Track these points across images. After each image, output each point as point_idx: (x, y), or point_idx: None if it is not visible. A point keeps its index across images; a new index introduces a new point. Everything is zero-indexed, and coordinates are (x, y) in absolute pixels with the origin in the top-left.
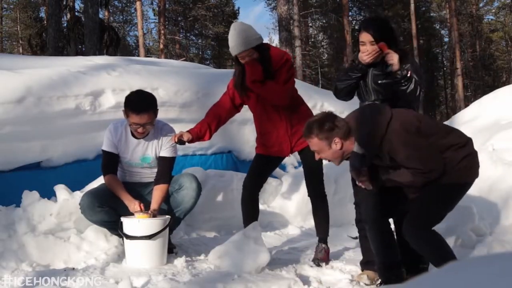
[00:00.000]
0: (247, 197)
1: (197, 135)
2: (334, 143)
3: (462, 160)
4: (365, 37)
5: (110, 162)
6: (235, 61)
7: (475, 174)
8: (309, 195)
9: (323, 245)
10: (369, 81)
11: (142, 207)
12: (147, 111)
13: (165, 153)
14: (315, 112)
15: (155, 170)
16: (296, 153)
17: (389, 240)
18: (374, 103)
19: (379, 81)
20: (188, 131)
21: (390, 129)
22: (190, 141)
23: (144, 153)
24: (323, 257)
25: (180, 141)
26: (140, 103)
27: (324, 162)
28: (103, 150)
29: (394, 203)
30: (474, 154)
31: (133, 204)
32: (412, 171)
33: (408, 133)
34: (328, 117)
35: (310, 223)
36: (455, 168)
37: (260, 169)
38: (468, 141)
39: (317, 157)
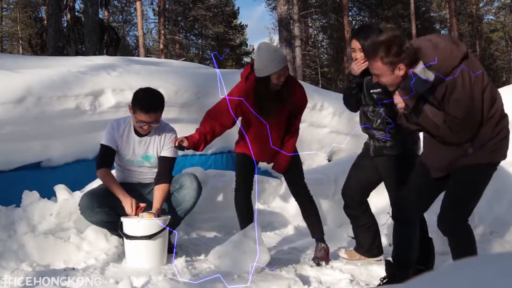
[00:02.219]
0: (242, 199)
1: (194, 144)
2: (398, 69)
3: (495, 137)
4: (354, 44)
5: (106, 156)
6: (259, 82)
7: (505, 155)
8: (296, 200)
9: (323, 245)
10: (364, 89)
11: (142, 206)
12: (155, 111)
13: (166, 153)
14: (315, 112)
15: (155, 170)
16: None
17: (410, 236)
18: (447, 36)
19: (371, 91)
20: (186, 138)
21: (463, 64)
22: (187, 149)
23: (146, 151)
24: (322, 256)
25: (180, 146)
26: (149, 102)
27: (324, 162)
28: (101, 144)
29: (427, 199)
30: (507, 133)
31: (127, 203)
32: (448, 117)
33: (472, 81)
34: (396, 40)
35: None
36: (488, 144)
37: (247, 170)
38: (507, 116)
39: (374, 80)
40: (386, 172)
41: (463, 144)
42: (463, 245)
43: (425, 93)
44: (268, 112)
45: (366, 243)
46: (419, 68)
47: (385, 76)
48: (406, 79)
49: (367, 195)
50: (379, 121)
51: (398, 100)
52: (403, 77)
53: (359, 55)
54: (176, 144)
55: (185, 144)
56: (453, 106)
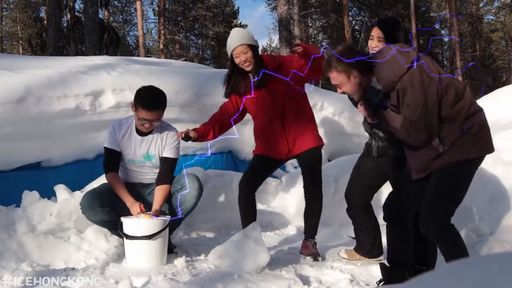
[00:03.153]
0: (243, 198)
1: (202, 134)
2: (353, 76)
3: (466, 133)
4: (375, 31)
5: (112, 159)
6: (231, 61)
7: (486, 148)
8: (306, 196)
9: (314, 240)
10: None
11: (143, 209)
12: (158, 109)
13: (168, 153)
14: (315, 112)
15: (157, 170)
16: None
17: (401, 238)
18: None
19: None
20: (193, 129)
21: (412, 70)
22: (194, 140)
23: (148, 151)
24: (316, 252)
25: (187, 137)
26: (151, 100)
27: (324, 162)
28: (105, 148)
29: (416, 201)
30: (481, 128)
31: (135, 207)
32: (404, 121)
33: (424, 84)
34: (348, 50)
35: None
36: (459, 141)
37: (256, 170)
38: (480, 110)
39: (339, 91)
40: (392, 171)
41: (428, 144)
42: (451, 246)
43: (384, 100)
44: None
45: (368, 245)
46: (374, 78)
47: (343, 85)
48: (367, 90)
49: (371, 197)
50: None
51: (361, 110)
52: (363, 87)
53: (375, 43)
54: (183, 136)
55: (192, 134)
56: (406, 110)
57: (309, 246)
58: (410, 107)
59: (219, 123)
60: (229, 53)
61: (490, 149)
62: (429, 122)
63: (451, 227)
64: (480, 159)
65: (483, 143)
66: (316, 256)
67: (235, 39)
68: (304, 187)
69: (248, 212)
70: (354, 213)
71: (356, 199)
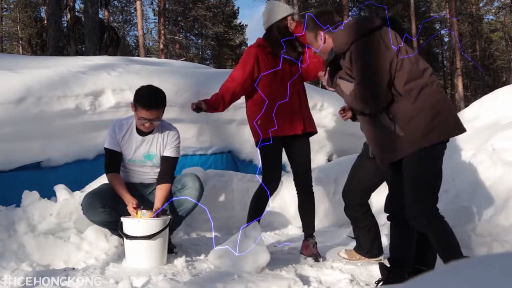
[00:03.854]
0: (264, 194)
1: (212, 105)
2: (319, 36)
3: (419, 116)
4: None
5: (112, 160)
6: (274, 32)
7: (448, 132)
8: (299, 193)
9: (314, 240)
10: None
11: (136, 205)
12: (157, 108)
13: (169, 153)
14: (315, 112)
15: (157, 170)
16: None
17: (400, 237)
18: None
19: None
20: (204, 100)
21: (367, 36)
22: (205, 111)
23: (148, 151)
24: (317, 252)
25: (198, 109)
26: (151, 99)
27: (324, 162)
28: (105, 148)
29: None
30: (437, 113)
31: (130, 204)
32: (354, 82)
33: (378, 49)
34: (322, 13)
35: None
36: (415, 126)
37: (278, 157)
38: (434, 95)
39: (310, 51)
40: (388, 172)
41: (375, 117)
42: (443, 236)
43: (333, 64)
44: (281, 50)
45: (367, 245)
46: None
47: (312, 44)
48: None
49: (368, 197)
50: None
51: (320, 75)
52: (324, 47)
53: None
54: (194, 107)
55: (203, 106)
56: (355, 71)
57: (310, 246)
58: (358, 66)
59: (230, 92)
60: (277, 18)
61: (453, 131)
62: (377, 86)
63: (439, 218)
64: (444, 143)
65: (446, 127)
66: (317, 256)
67: (289, 8)
68: (299, 182)
69: (261, 210)
70: (351, 213)
71: (353, 198)
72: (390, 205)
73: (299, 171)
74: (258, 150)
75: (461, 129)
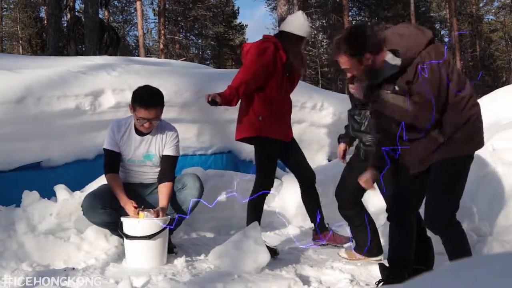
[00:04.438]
0: (264, 197)
1: (226, 99)
2: (365, 59)
3: (464, 126)
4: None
5: (111, 160)
6: (295, 43)
7: (480, 143)
8: (305, 186)
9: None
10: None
11: (135, 206)
12: (155, 106)
13: (169, 151)
14: (315, 112)
15: (157, 170)
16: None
17: (400, 237)
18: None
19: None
20: (219, 94)
21: (431, 46)
22: (220, 104)
23: (147, 151)
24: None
25: (214, 101)
26: (148, 98)
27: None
28: (104, 149)
29: (417, 199)
30: (478, 124)
31: (129, 206)
32: (417, 96)
33: (439, 63)
34: (357, 31)
35: (310, 223)
36: (459, 135)
37: (276, 159)
38: (478, 104)
39: (349, 75)
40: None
41: (427, 128)
42: (458, 243)
43: (389, 79)
44: (293, 68)
45: (365, 243)
46: (388, 55)
47: (355, 68)
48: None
49: (361, 196)
50: (366, 123)
51: (354, 88)
52: (372, 66)
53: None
54: (210, 99)
55: (218, 99)
56: (423, 85)
57: (335, 236)
58: (429, 80)
59: (244, 85)
60: (301, 34)
61: (482, 143)
62: (439, 99)
63: (457, 224)
64: (475, 153)
65: (479, 138)
66: (348, 239)
67: (309, 30)
68: (302, 175)
69: (260, 213)
70: (346, 212)
71: (345, 198)
72: (397, 208)
73: (300, 166)
74: (254, 145)
75: (483, 143)
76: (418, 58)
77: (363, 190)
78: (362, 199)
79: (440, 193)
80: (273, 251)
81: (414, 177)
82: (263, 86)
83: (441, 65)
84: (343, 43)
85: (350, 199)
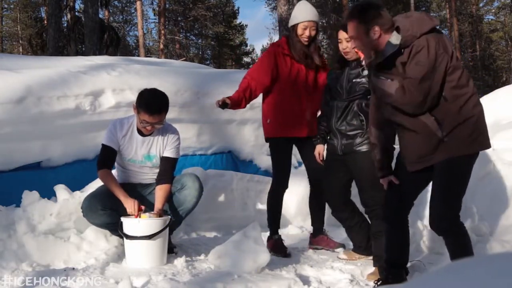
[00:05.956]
0: (281, 193)
1: (235, 102)
2: (373, 31)
3: (465, 124)
4: (341, 34)
5: (107, 156)
6: (291, 31)
7: (485, 144)
8: (316, 188)
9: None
10: (344, 80)
11: (142, 207)
12: (159, 112)
13: (169, 153)
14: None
15: (157, 170)
16: (297, 151)
17: (400, 237)
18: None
19: (354, 80)
20: (228, 97)
21: (433, 34)
22: (230, 107)
23: (148, 151)
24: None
25: (224, 104)
26: (154, 104)
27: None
28: (103, 144)
29: (410, 196)
30: (481, 124)
31: (129, 203)
32: (406, 80)
33: (437, 51)
34: (373, 4)
35: (310, 224)
36: (461, 133)
37: (288, 157)
38: (480, 105)
39: (351, 45)
40: (357, 170)
41: (422, 117)
42: (462, 243)
43: (388, 61)
44: (302, 60)
45: (363, 242)
46: (393, 36)
47: (359, 39)
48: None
49: (349, 194)
50: (350, 115)
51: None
52: (377, 43)
53: (344, 45)
54: (220, 103)
55: (228, 102)
56: (413, 68)
57: (329, 240)
58: (420, 64)
59: (249, 90)
60: (296, 21)
61: (487, 144)
62: (431, 88)
63: (462, 224)
64: (478, 153)
65: (483, 138)
66: (340, 244)
67: (311, 13)
68: (313, 176)
69: (281, 208)
70: (338, 214)
71: (335, 201)
72: (392, 207)
73: (312, 170)
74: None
75: (490, 144)
76: (416, 41)
77: (347, 188)
78: (355, 201)
79: (445, 194)
80: (283, 251)
81: (412, 173)
82: (271, 90)
83: (439, 54)
84: (356, 9)
85: (339, 201)
